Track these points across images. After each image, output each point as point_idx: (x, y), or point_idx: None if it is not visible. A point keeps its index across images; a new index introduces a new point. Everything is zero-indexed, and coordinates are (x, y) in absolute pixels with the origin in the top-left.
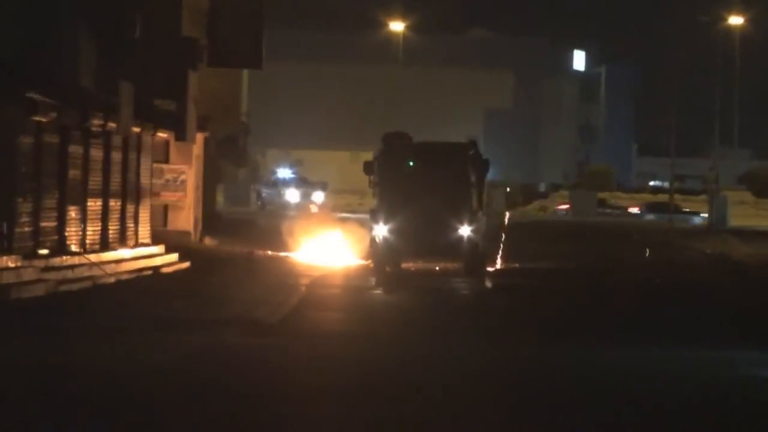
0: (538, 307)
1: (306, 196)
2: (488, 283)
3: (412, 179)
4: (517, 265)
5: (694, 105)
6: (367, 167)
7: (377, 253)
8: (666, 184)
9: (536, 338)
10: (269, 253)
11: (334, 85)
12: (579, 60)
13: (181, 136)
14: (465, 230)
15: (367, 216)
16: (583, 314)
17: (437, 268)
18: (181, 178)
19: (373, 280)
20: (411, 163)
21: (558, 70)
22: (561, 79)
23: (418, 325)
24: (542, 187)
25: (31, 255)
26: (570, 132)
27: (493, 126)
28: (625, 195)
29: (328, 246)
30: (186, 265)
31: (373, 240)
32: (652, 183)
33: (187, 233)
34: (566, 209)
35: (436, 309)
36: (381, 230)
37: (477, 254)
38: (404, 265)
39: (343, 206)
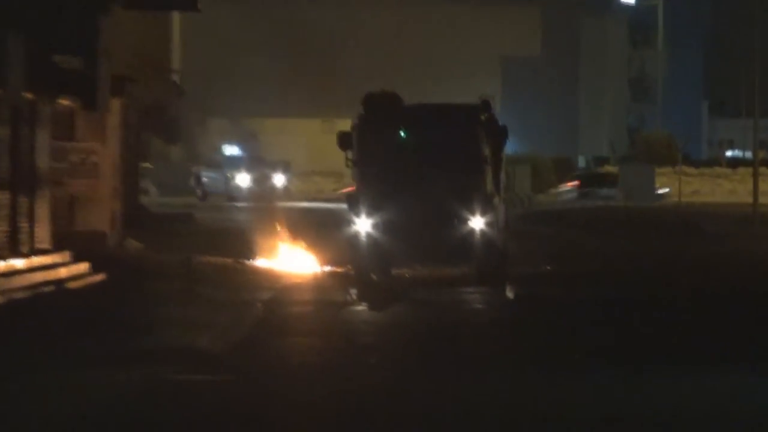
0: (579, 327)
1: (262, 181)
2: (510, 293)
3: (405, 155)
4: (548, 267)
5: None
6: (344, 140)
7: (359, 255)
8: (748, 154)
9: (580, 370)
10: (214, 259)
11: (298, 32)
12: None
13: (90, 103)
14: (477, 222)
15: (344, 205)
16: (637, 333)
17: (440, 274)
18: (91, 160)
19: (354, 293)
20: (403, 134)
21: (600, 5)
22: (605, 17)
23: (415, 353)
24: (582, 162)
25: None
26: (618, 87)
27: (515, 81)
28: (694, 170)
29: (294, 247)
30: (101, 277)
31: (353, 238)
32: (729, 153)
33: (101, 234)
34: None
35: (439, 331)
36: (363, 225)
37: (493, 254)
38: (396, 272)
39: (312, 193)
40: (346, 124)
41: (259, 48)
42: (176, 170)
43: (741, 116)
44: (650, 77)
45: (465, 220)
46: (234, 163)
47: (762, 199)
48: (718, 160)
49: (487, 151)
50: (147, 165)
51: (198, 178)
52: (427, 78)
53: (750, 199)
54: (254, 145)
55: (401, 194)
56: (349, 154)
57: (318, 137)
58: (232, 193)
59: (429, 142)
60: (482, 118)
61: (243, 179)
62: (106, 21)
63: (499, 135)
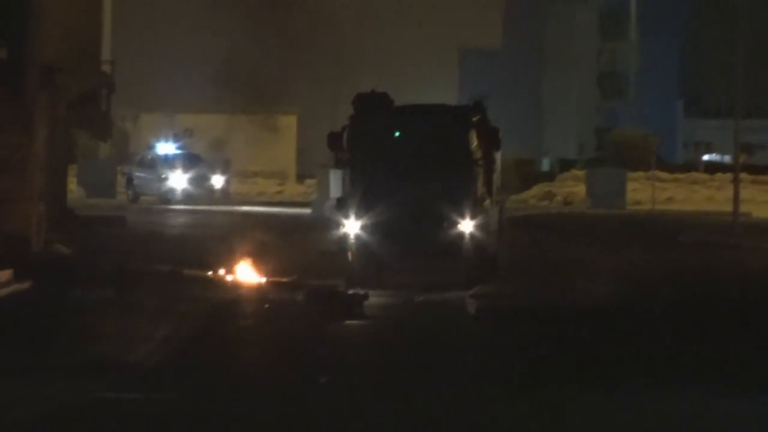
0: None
1: (199, 181)
2: (471, 308)
3: (396, 157)
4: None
5: None
6: (333, 140)
7: (349, 257)
8: (727, 158)
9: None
10: (148, 266)
11: (238, 18)
12: None
13: (15, 94)
14: (466, 226)
15: (292, 209)
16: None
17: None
18: (15, 157)
19: (303, 300)
20: (397, 134)
21: None
22: (573, 4)
23: (366, 371)
24: (546, 165)
25: None
26: (586, 83)
27: (474, 74)
28: (669, 176)
29: (239, 255)
30: (25, 285)
31: (341, 240)
32: (706, 157)
33: (25, 238)
34: None
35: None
36: (352, 226)
37: (482, 258)
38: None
39: (254, 195)
40: (289, 120)
41: (196, 37)
42: (105, 169)
43: (720, 116)
44: (622, 72)
45: (455, 223)
46: (168, 162)
47: (743, 207)
48: (694, 165)
49: (478, 153)
50: (74, 164)
51: (129, 178)
52: (381, 69)
53: (729, 207)
54: (190, 143)
55: (392, 196)
56: (338, 155)
57: (259, 134)
58: (165, 195)
59: (420, 144)
60: (473, 119)
61: (178, 180)
62: (33, 3)
63: (492, 137)
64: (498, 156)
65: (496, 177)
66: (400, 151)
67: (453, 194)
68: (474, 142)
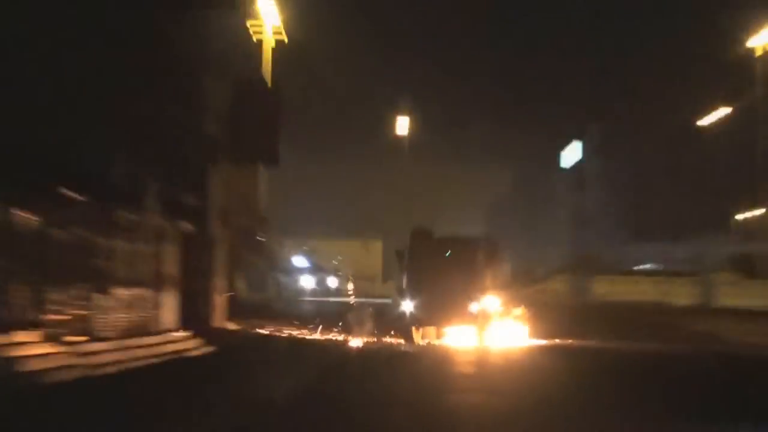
0: None
1: (319, 282)
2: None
3: (434, 266)
4: None
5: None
6: (400, 255)
7: (403, 323)
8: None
9: None
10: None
11: (346, 182)
12: (574, 153)
13: (203, 227)
14: (475, 306)
15: (379, 299)
16: None
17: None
18: (203, 267)
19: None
20: (434, 254)
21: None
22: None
23: None
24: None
25: None
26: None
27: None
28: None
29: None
30: (211, 348)
31: (401, 313)
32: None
33: (209, 319)
34: None
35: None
36: (407, 305)
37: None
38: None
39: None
40: (377, 243)
41: (320, 195)
42: (260, 275)
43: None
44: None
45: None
46: (300, 270)
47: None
48: (632, 272)
49: (482, 264)
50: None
51: (276, 280)
52: (434, 215)
53: None
54: (313, 258)
55: (430, 287)
56: (402, 264)
57: (357, 253)
58: (299, 291)
59: (448, 259)
60: (481, 245)
61: (307, 281)
62: (214, 173)
63: (493, 255)
64: (503, 265)
65: (500, 276)
66: (435, 264)
67: (467, 287)
68: (480, 259)
